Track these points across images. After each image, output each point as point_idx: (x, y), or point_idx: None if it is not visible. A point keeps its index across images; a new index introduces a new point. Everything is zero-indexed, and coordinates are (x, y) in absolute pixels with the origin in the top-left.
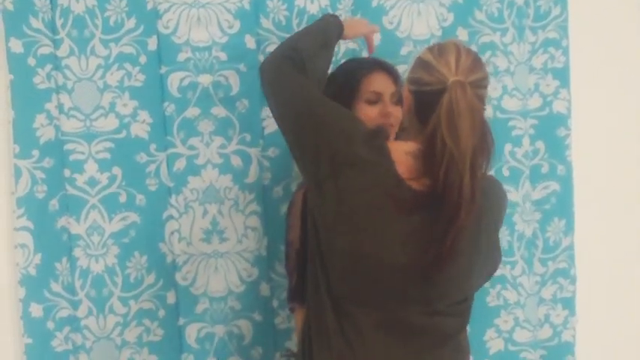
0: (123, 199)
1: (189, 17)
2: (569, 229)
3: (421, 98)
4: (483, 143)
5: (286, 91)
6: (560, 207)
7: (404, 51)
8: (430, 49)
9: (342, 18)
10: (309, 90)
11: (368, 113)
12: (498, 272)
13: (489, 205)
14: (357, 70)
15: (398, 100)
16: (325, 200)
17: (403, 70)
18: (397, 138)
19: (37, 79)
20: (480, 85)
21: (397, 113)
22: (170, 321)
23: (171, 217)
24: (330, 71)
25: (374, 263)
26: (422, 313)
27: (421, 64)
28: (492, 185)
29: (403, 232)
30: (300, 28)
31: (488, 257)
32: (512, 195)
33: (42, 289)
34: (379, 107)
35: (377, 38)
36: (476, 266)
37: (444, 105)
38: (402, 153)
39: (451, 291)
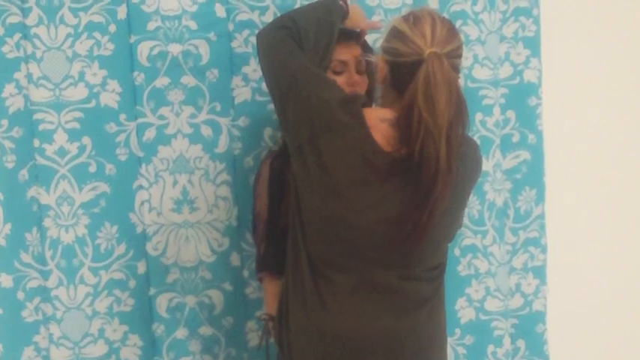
0: (93, 168)
1: None
2: (540, 198)
3: (397, 69)
4: (459, 114)
5: (276, 57)
6: (531, 176)
7: (375, 19)
8: (405, 19)
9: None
10: (297, 57)
11: None
12: (469, 241)
13: (465, 172)
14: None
15: (362, 69)
16: (305, 164)
17: (372, 39)
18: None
19: (5, 48)
20: (455, 54)
21: (362, 82)
22: (141, 291)
23: (141, 187)
24: None
25: (350, 227)
26: (397, 277)
27: (396, 34)
28: (469, 149)
29: (379, 197)
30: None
31: (457, 219)
32: (484, 164)
33: (12, 259)
34: (345, 76)
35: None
36: (449, 230)
37: (420, 78)
38: (378, 120)
39: (427, 257)
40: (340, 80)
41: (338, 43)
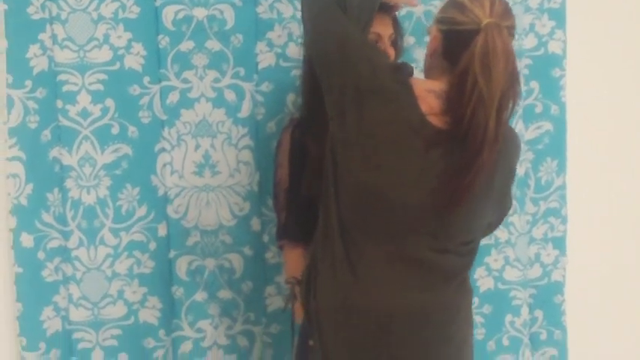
0: (115, 130)
1: None
2: (562, 169)
3: (452, 37)
4: (512, 87)
5: (322, 20)
6: (553, 147)
7: None
8: None
9: None
10: (344, 23)
11: None
12: None
13: (507, 151)
14: None
15: (394, 41)
16: (345, 129)
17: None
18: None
19: (31, 9)
20: (511, 32)
21: (392, 55)
22: (161, 253)
23: (163, 149)
24: None
25: (386, 196)
26: (430, 250)
27: (454, 4)
28: (510, 133)
29: (419, 168)
30: None
31: (499, 203)
32: None
33: (33, 219)
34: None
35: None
36: (487, 208)
37: (478, 44)
38: (424, 90)
39: (461, 230)
40: None
41: (377, 15)
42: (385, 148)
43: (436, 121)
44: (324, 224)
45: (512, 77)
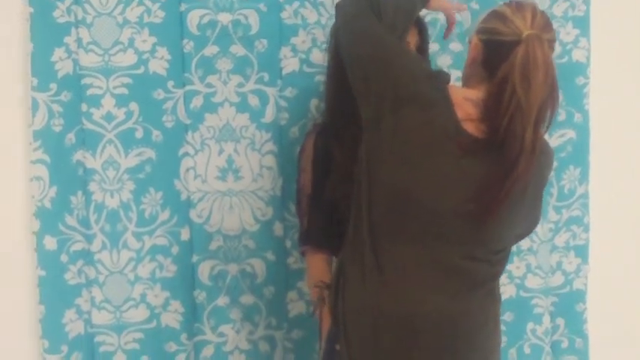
0: (139, 134)
1: None
2: (584, 177)
3: (493, 47)
4: (551, 99)
5: (358, 26)
6: (576, 155)
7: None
8: (507, 4)
9: None
10: (379, 29)
11: None
12: None
13: (540, 163)
14: None
15: (418, 49)
16: (381, 136)
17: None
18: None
19: (56, 13)
20: (551, 45)
21: None
22: (183, 258)
23: (187, 154)
24: None
25: (420, 201)
26: (460, 257)
27: (496, 15)
28: (546, 146)
29: (453, 174)
30: None
31: (529, 214)
32: None
33: (57, 222)
34: None
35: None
36: (519, 219)
37: (519, 55)
38: (462, 98)
39: (492, 239)
40: None
41: None
42: (419, 154)
43: (472, 128)
44: (354, 229)
45: (552, 89)
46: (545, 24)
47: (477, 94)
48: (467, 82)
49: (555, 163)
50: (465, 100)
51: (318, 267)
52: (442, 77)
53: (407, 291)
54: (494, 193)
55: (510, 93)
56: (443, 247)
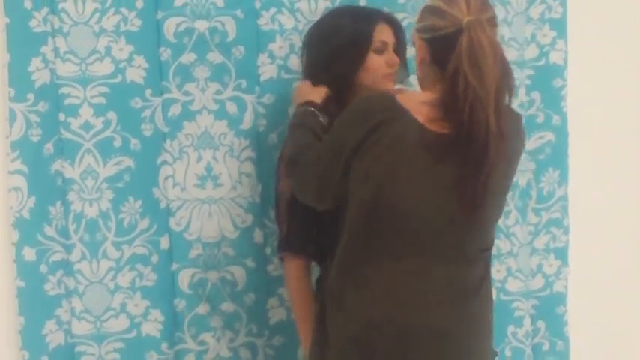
0: (118, 143)
1: None
2: (563, 179)
3: (437, 43)
4: (505, 77)
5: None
6: (555, 157)
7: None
8: None
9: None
10: (316, 145)
11: (375, 62)
12: None
13: (513, 138)
14: (366, 19)
15: (395, 51)
16: (356, 168)
17: (401, 17)
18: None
19: (33, 23)
20: (493, 23)
21: (397, 62)
22: (163, 266)
23: (165, 162)
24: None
25: (407, 215)
26: (452, 262)
27: (431, 10)
28: (513, 121)
29: (432, 178)
30: None
31: (505, 194)
32: None
33: (35, 232)
34: (385, 57)
35: None
36: (500, 207)
37: (463, 44)
38: (417, 103)
39: (480, 236)
40: (380, 60)
41: (381, 25)
42: (395, 169)
43: (437, 128)
44: (343, 243)
45: (504, 68)
46: (481, 4)
47: (431, 95)
48: (422, 83)
49: (534, 166)
50: (422, 104)
51: (295, 273)
52: (385, 98)
53: (397, 301)
54: (473, 187)
55: (464, 84)
56: (434, 255)
